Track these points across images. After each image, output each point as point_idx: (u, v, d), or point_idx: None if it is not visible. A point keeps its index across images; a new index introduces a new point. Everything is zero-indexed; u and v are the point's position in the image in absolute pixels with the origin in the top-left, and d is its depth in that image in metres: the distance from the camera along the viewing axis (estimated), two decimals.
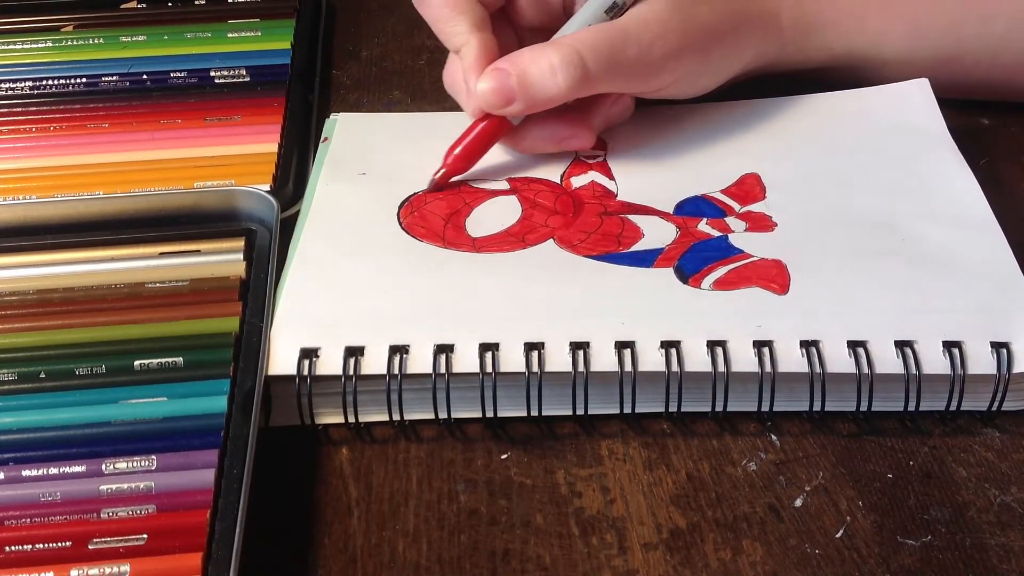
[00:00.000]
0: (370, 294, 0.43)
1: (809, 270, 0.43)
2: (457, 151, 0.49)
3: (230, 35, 0.62)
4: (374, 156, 0.52)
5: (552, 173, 0.50)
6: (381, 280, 0.44)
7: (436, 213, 0.48)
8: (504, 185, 0.50)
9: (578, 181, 0.50)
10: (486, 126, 0.49)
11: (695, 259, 0.44)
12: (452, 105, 0.53)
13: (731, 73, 0.52)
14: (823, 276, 0.43)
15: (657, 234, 0.46)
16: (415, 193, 0.49)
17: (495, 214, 0.48)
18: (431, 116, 0.57)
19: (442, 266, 0.44)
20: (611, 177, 0.50)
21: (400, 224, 0.47)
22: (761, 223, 0.46)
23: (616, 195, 0.49)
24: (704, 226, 0.46)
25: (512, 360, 0.40)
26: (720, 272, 0.44)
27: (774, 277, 0.43)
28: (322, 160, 0.51)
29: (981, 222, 0.46)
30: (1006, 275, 0.43)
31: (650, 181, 0.49)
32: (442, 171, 0.49)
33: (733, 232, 0.46)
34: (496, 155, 0.51)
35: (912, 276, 0.43)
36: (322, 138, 0.53)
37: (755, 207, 0.48)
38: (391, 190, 0.49)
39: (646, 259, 0.45)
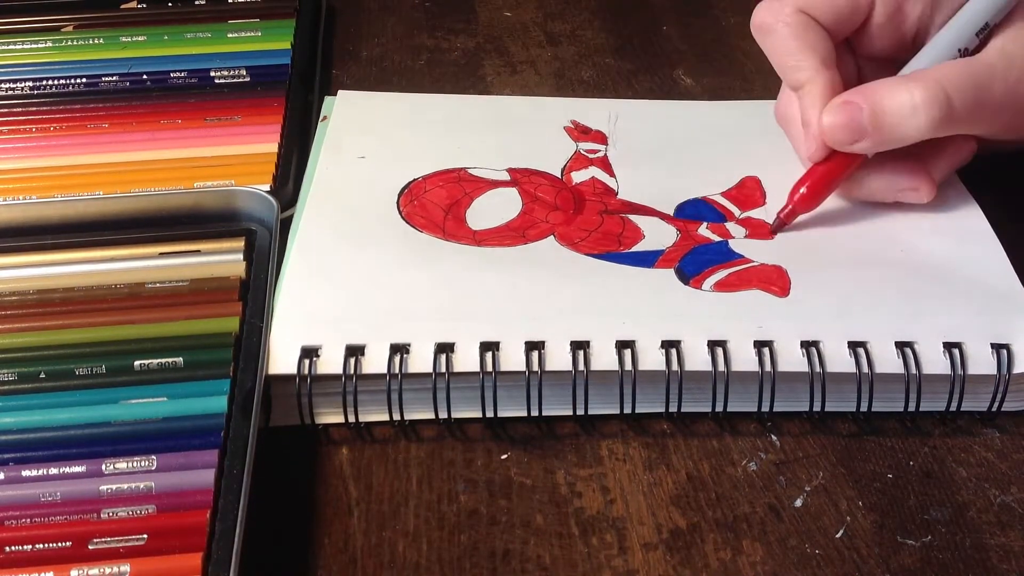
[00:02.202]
0: (370, 289, 0.43)
1: (809, 275, 0.43)
2: (803, 190, 0.46)
3: (230, 35, 0.62)
4: (373, 138, 0.52)
5: (552, 166, 0.50)
6: (381, 274, 0.44)
7: (436, 203, 0.48)
8: (504, 176, 0.50)
9: (579, 176, 0.50)
10: (837, 162, 0.46)
11: (696, 261, 0.44)
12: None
13: None
14: (823, 280, 0.43)
15: (657, 236, 0.46)
16: (415, 179, 0.49)
17: (495, 206, 0.48)
18: (431, 97, 0.57)
19: (442, 259, 0.44)
20: (611, 174, 0.50)
21: (400, 213, 0.47)
22: (761, 230, 0.46)
23: (617, 193, 0.49)
24: (704, 230, 0.46)
25: (512, 359, 0.40)
26: (721, 275, 0.44)
27: (775, 280, 0.43)
28: (321, 140, 0.51)
29: (978, 233, 0.46)
30: (1005, 280, 0.43)
31: (650, 180, 0.49)
32: (789, 208, 0.46)
33: (733, 238, 0.46)
34: (496, 141, 0.51)
35: (912, 281, 0.43)
36: (321, 116, 0.53)
37: (755, 213, 0.48)
38: (390, 175, 0.49)
39: (647, 260, 0.45)
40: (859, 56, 0.49)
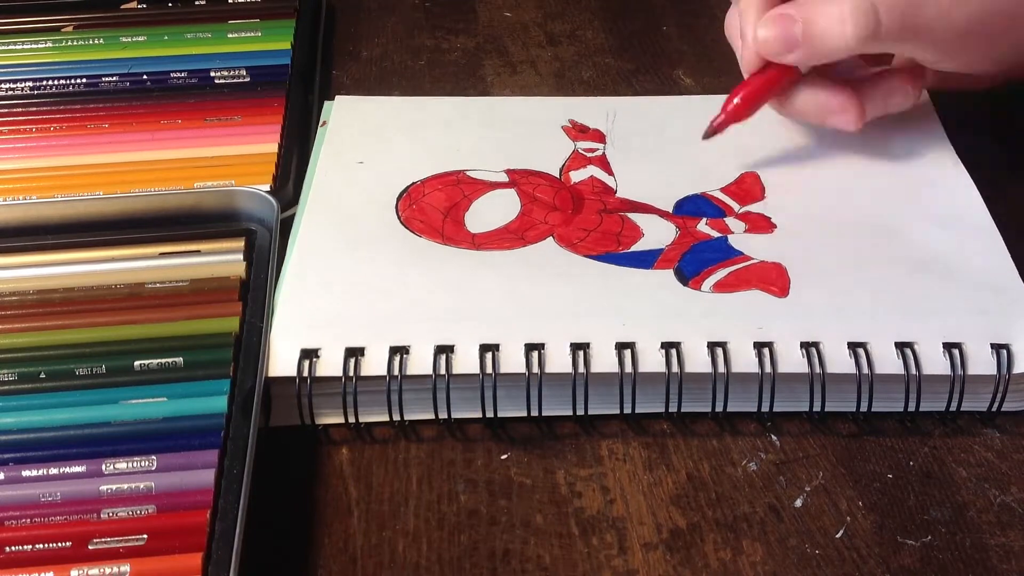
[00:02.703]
0: (369, 292, 0.43)
1: (809, 273, 0.43)
2: (737, 99, 0.48)
3: (230, 35, 0.62)
4: (372, 142, 0.52)
5: (551, 166, 0.50)
6: (380, 278, 0.44)
7: (435, 206, 0.48)
8: (503, 177, 0.50)
9: (577, 176, 0.50)
10: (772, 74, 0.47)
11: (695, 261, 0.44)
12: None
13: (1008, 57, 0.47)
14: (823, 279, 0.43)
15: (657, 234, 0.46)
16: (413, 183, 0.49)
17: (494, 208, 0.48)
18: (429, 100, 0.57)
19: (442, 264, 0.44)
20: (610, 172, 0.50)
21: (399, 218, 0.47)
22: (760, 224, 0.46)
23: (615, 191, 0.49)
24: (704, 226, 0.46)
25: (512, 361, 0.40)
26: (720, 275, 0.44)
27: (774, 280, 0.43)
28: (320, 145, 0.51)
29: (980, 228, 0.46)
30: (1006, 280, 0.43)
31: (649, 177, 0.49)
32: (721, 117, 0.48)
33: (732, 233, 0.46)
34: (494, 142, 0.51)
35: (912, 279, 0.43)
36: (320, 122, 0.53)
37: (754, 207, 0.48)
38: (389, 180, 0.49)
39: (646, 260, 0.45)
40: None
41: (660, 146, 0.52)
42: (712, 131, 0.48)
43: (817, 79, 0.47)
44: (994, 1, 0.45)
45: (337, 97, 0.55)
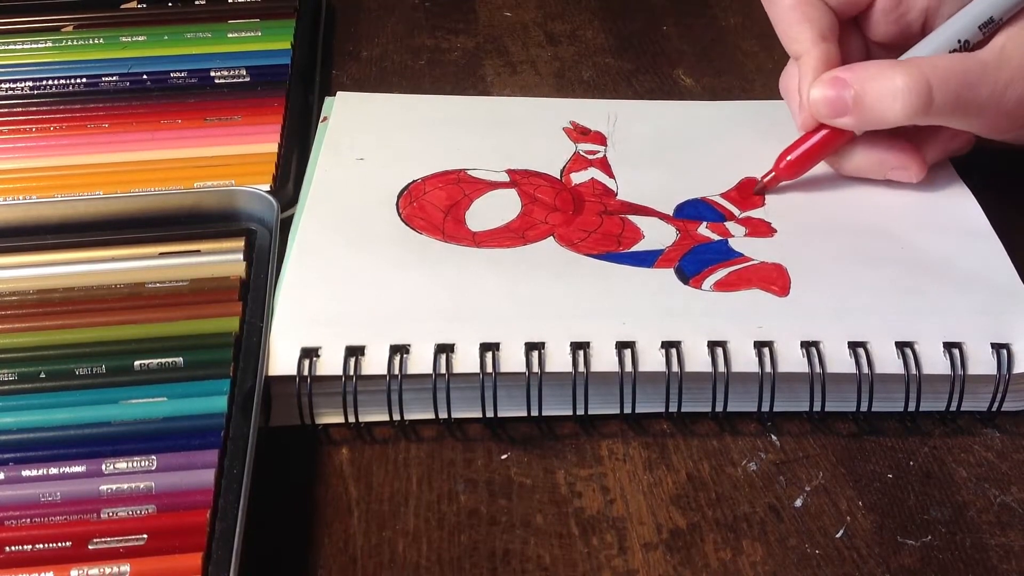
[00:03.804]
0: (370, 291, 0.43)
1: (809, 274, 0.43)
2: (790, 157, 0.48)
3: (230, 35, 0.62)
4: (372, 139, 0.52)
5: (552, 167, 0.50)
6: (381, 275, 0.44)
7: (435, 204, 0.48)
8: (503, 177, 0.50)
9: (578, 177, 0.50)
10: (825, 136, 0.47)
11: (695, 261, 0.44)
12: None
13: None
14: (823, 280, 0.43)
15: (657, 236, 0.46)
16: (414, 181, 0.49)
17: (495, 207, 0.48)
18: (429, 99, 0.57)
19: (442, 261, 0.44)
20: (611, 175, 0.50)
21: (399, 215, 0.47)
22: (761, 229, 0.46)
23: (616, 194, 0.49)
24: (704, 230, 0.46)
25: (512, 360, 0.40)
26: (720, 274, 0.44)
27: (774, 280, 0.43)
28: (321, 141, 0.51)
29: (978, 232, 0.46)
30: (1006, 282, 0.43)
31: (650, 181, 0.49)
32: (772, 175, 0.48)
33: (733, 237, 0.46)
34: (495, 142, 0.51)
35: (912, 281, 0.43)
36: (321, 118, 0.53)
37: (755, 213, 0.48)
38: (390, 177, 0.49)
39: (646, 260, 0.45)
40: (869, 42, 0.49)
41: (661, 150, 0.52)
42: (763, 188, 0.48)
43: (874, 136, 0.47)
44: None
45: (338, 93, 0.55)
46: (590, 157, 0.51)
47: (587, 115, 0.54)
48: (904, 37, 0.48)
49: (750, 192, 0.49)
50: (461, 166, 0.50)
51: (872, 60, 0.46)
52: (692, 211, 0.48)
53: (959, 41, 0.46)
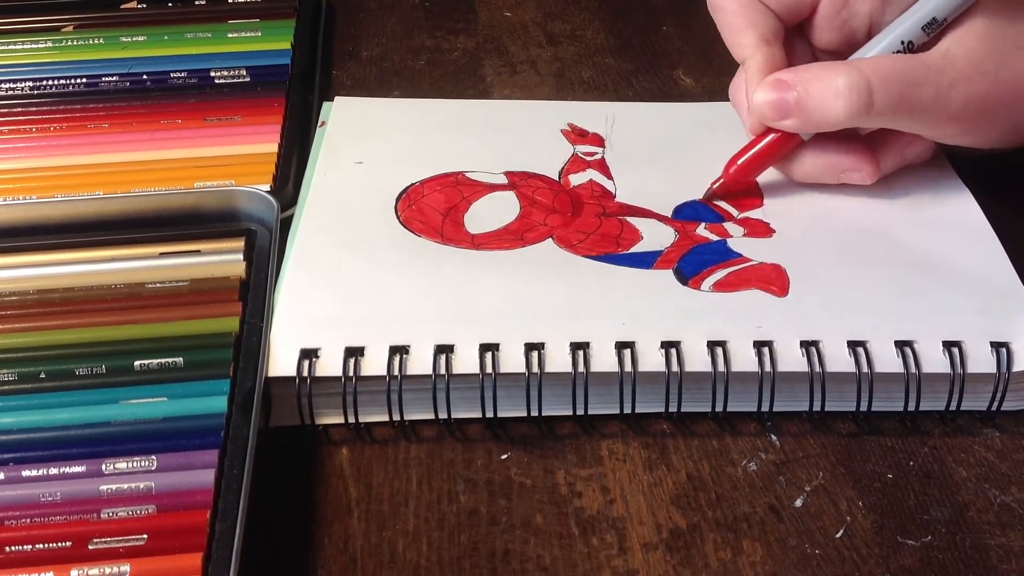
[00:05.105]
0: (369, 293, 0.43)
1: (808, 274, 0.43)
2: (739, 163, 0.47)
3: (230, 35, 0.62)
4: (371, 143, 0.52)
5: (550, 169, 0.50)
6: (380, 278, 0.44)
7: (434, 207, 0.48)
8: (502, 179, 0.50)
9: (576, 179, 0.50)
10: (773, 140, 0.47)
11: (694, 261, 0.44)
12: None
13: (1012, 127, 0.46)
14: (822, 280, 0.43)
15: (655, 237, 0.46)
16: (412, 184, 0.49)
17: (493, 210, 0.48)
18: (427, 102, 0.57)
19: (441, 264, 0.44)
20: (609, 176, 0.50)
21: (398, 218, 0.47)
22: (759, 229, 0.46)
23: (614, 196, 0.49)
24: (702, 230, 0.46)
25: (512, 360, 0.40)
26: (719, 275, 0.44)
27: (773, 280, 0.43)
28: (319, 146, 0.52)
29: (976, 230, 0.46)
30: (1004, 280, 0.43)
31: (648, 182, 0.49)
32: (720, 182, 0.48)
33: (731, 237, 0.46)
34: (493, 145, 0.51)
35: (911, 280, 0.43)
36: (319, 123, 0.53)
37: (753, 213, 0.48)
38: (388, 180, 0.49)
39: (645, 260, 0.45)
40: (815, 48, 0.49)
41: (659, 152, 0.52)
42: (712, 194, 0.48)
43: (825, 139, 0.47)
44: (992, 87, 0.44)
45: (336, 98, 0.55)
46: (588, 159, 0.51)
47: (585, 117, 0.54)
48: (848, 43, 0.48)
49: (749, 192, 0.49)
50: (459, 169, 0.50)
51: (814, 63, 0.46)
52: (690, 212, 0.48)
53: (903, 43, 0.45)
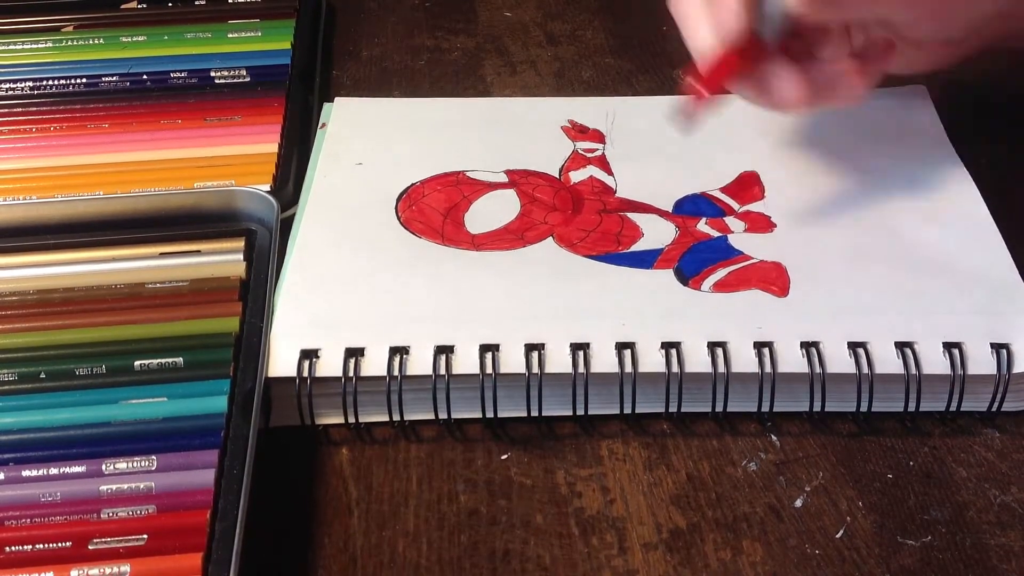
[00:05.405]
0: (369, 293, 0.43)
1: (809, 273, 0.43)
2: (706, 71, 0.42)
3: (230, 35, 0.62)
4: (371, 144, 0.52)
5: (550, 166, 0.50)
6: (380, 279, 0.44)
7: (434, 207, 0.48)
8: (502, 177, 0.50)
9: (576, 176, 0.50)
10: (739, 48, 0.42)
11: (695, 260, 0.44)
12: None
13: (980, 14, 0.44)
14: (823, 279, 0.43)
15: (656, 233, 0.46)
16: (413, 184, 0.49)
17: (493, 209, 0.48)
18: (427, 102, 0.57)
19: (442, 264, 0.44)
20: (610, 172, 0.50)
21: (398, 219, 0.47)
22: (760, 224, 0.46)
23: (615, 191, 0.49)
24: (703, 226, 0.46)
25: (512, 361, 0.40)
26: (720, 274, 0.44)
27: (774, 280, 0.43)
28: (319, 147, 0.52)
29: (980, 227, 0.46)
30: (1006, 279, 0.43)
31: (649, 177, 0.49)
32: (692, 97, 0.43)
33: (732, 232, 0.46)
34: (494, 143, 0.51)
35: (912, 279, 0.43)
36: (320, 124, 0.53)
37: (754, 207, 0.48)
38: (389, 181, 0.49)
39: (646, 260, 0.45)
40: None
41: (659, 146, 0.52)
42: (687, 113, 0.43)
43: (798, 57, 0.43)
44: None
45: (336, 99, 0.55)
46: (589, 155, 0.51)
47: (585, 113, 0.54)
48: None
49: (750, 186, 0.49)
50: (459, 168, 0.50)
51: None
52: (691, 207, 0.48)
53: None
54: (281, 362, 0.40)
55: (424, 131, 0.53)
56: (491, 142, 0.52)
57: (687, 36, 0.44)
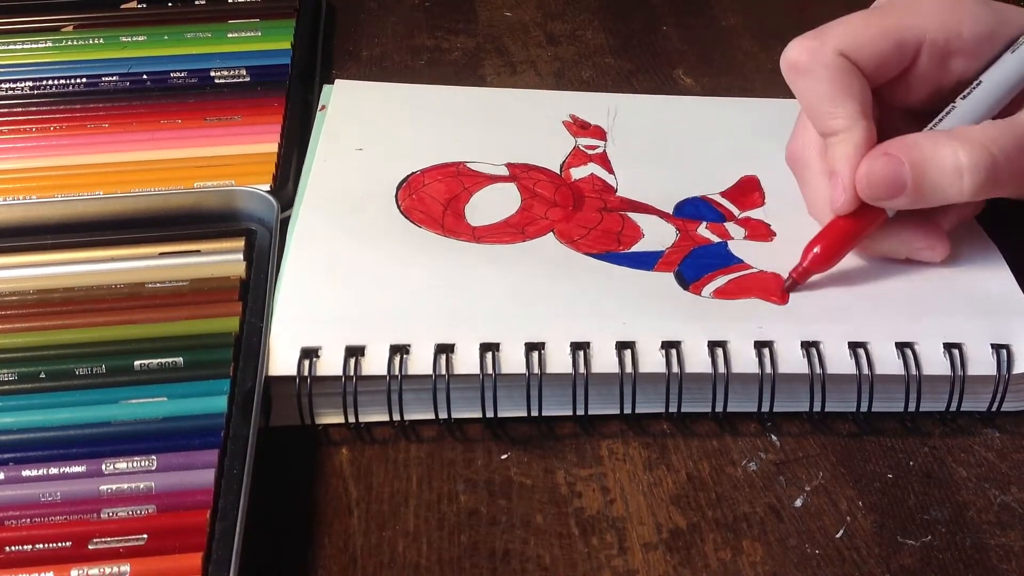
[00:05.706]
0: (370, 288, 0.43)
1: (808, 282, 0.43)
2: (816, 249, 0.43)
3: (230, 35, 0.62)
4: (371, 129, 0.52)
5: (551, 161, 0.50)
6: (380, 272, 0.43)
7: (435, 197, 0.47)
8: (503, 171, 0.50)
9: (578, 173, 0.50)
10: (858, 219, 0.43)
11: (695, 265, 0.44)
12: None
13: None
14: (822, 288, 0.43)
15: (657, 235, 0.46)
16: (413, 172, 0.49)
17: (494, 202, 0.48)
18: (429, 88, 0.57)
19: (442, 256, 0.44)
20: (610, 171, 0.50)
21: (398, 207, 0.47)
22: (760, 232, 0.46)
23: (616, 190, 0.49)
24: (704, 230, 0.46)
25: (513, 360, 0.40)
26: (720, 281, 0.43)
27: (774, 291, 0.43)
28: (319, 130, 0.51)
29: (977, 234, 0.46)
30: (1005, 283, 0.43)
31: (649, 178, 0.49)
32: (802, 268, 0.43)
33: (732, 239, 0.46)
34: (494, 135, 0.51)
35: (912, 280, 0.43)
36: (319, 106, 0.53)
37: (754, 213, 0.48)
38: (389, 168, 0.49)
39: (647, 262, 0.45)
40: (889, 107, 0.46)
41: (661, 146, 0.52)
42: (792, 284, 0.43)
43: (902, 216, 0.44)
44: None
45: (336, 81, 0.55)
46: (590, 152, 0.51)
47: (587, 108, 0.54)
48: (933, 103, 0.44)
49: (750, 191, 0.49)
50: (460, 158, 0.50)
51: (912, 134, 0.42)
52: (692, 210, 0.48)
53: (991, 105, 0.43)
54: (281, 361, 0.40)
55: (425, 118, 0.53)
56: (492, 134, 0.52)
57: (807, 199, 0.46)
